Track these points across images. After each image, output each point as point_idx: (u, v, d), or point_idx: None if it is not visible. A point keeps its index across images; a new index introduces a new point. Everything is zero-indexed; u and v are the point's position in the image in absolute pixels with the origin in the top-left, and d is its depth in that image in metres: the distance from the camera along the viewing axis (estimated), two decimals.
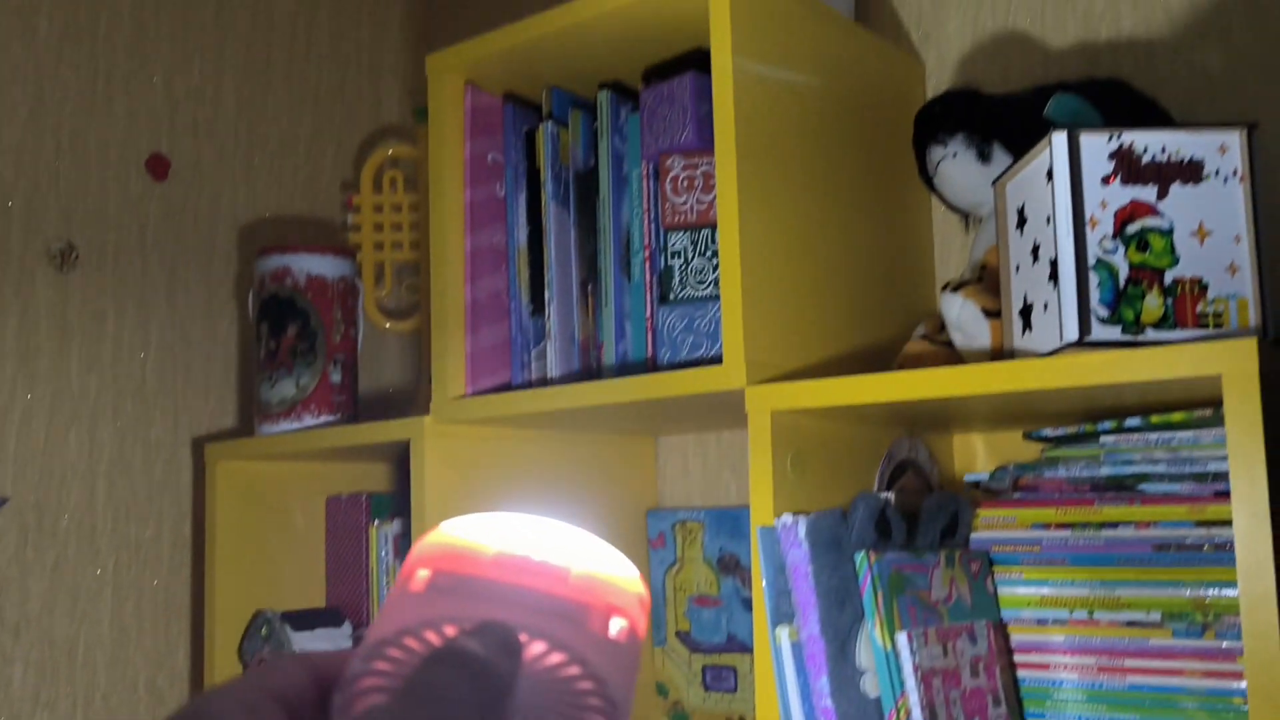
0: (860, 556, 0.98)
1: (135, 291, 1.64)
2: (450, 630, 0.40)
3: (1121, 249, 0.90)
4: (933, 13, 1.40)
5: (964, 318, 1.06)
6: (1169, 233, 0.90)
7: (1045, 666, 1.04)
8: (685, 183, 1.21)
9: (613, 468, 1.52)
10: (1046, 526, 1.04)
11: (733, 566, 1.45)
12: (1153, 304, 0.89)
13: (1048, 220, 0.93)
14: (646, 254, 1.23)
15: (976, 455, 1.30)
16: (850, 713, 0.97)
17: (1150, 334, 0.89)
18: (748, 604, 1.43)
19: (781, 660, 0.99)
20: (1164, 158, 0.91)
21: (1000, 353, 1.04)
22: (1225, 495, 0.95)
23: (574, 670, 0.40)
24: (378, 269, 1.78)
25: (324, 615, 1.58)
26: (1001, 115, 1.14)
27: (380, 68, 1.96)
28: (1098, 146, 0.91)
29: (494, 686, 0.38)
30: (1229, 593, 0.94)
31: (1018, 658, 1.05)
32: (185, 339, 1.68)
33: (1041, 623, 1.04)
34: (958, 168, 1.16)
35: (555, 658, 0.40)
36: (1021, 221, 1.00)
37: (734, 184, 1.08)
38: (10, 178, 1.54)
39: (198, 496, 1.66)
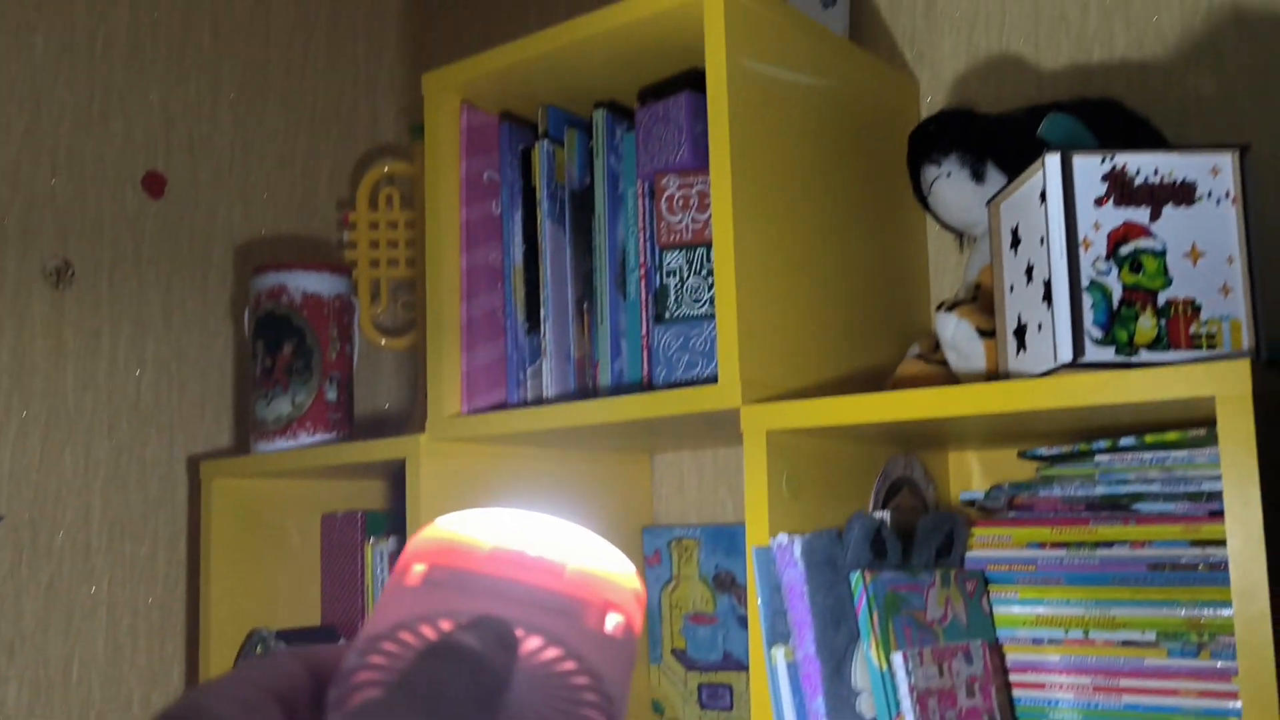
0: (855, 577, 0.98)
1: (131, 309, 1.64)
2: (446, 625, 0.40)
3: (1115, 270, 0.91)
4: (926, 32, 1.41)
5: (959, 337, 1.07)
6: (1162, 254, 0.91)
7: (1041, 686, 1.04)
8: (681, 201, 1.22)
9: (608, 485, 1.52)
10: (1042, 546, 1.05)
11: (729, 584, 1.45)
12: (1146, 325, 0.90)
13: (1041, 241, 0.94)
14: (642, 272, 1.24)
15: (972, 473, 1.31)
16: None
17: (1144, 355, 0.90)
18: (744, 621, 1.43)
19: (777, 680, 0.99)
20: (1157, 179, 0.92)
21: (995, 373, 1.04)
22: (1220, 515, 0.95)
23: (570, 665, 0.40)
24: (373, 286, 1.78)
25: (319, 633, 1.57)
26: (995, 135, 1.15)
27: (376, 86, 1.97)
28: (1091, 168, 0.92)
29: (489, 681, 0.38)
30: (1224, 612, 0.94)
31: (1013, 677, 1.05)
32: (181, 357, 1.68)
33: (1037, 642, 1.04)
34: (952, 187, 1.16)
35: (551, 653, 0.40)
36: (1015, 242, 1.00)
37: (729, 203, 1.08)
38: (6, 195, 1.54)
39: (193, 514, 1.66)
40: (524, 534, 0.42)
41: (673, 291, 1.21)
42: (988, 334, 1.05)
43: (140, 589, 1.61)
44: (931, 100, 1.40)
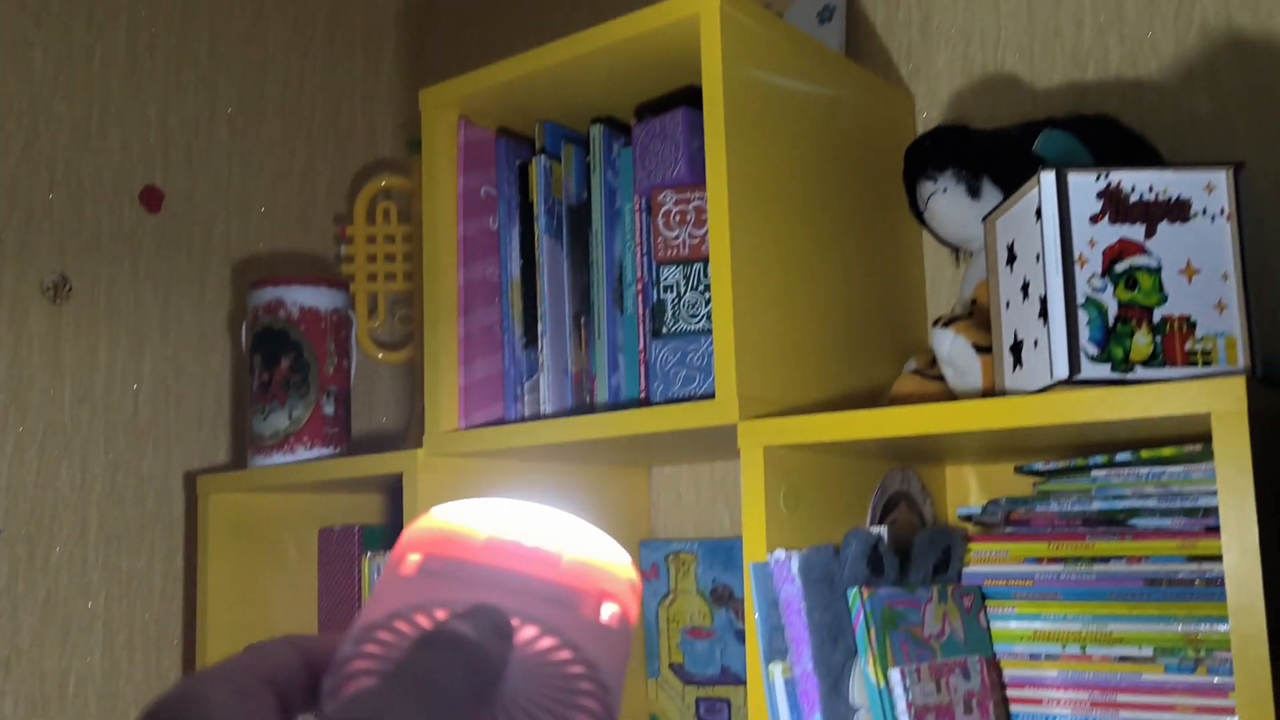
0: (853, 593, 0.98)
1: (128, 323, 1.64)
2: (441, 614, 0.40)
3: (1110, 287, 0.91)
4: (922, 47, 1.41)
5: (955, 353, 1.07)
6: (1157, 271, 0.91)
7: (1039, 702, 1.04)
8: (678, 217, 1.22)
9: (605, 498, 1.52)
10: (1039, 561, 1.05)
11: (726, 598, 1.45)
12: (1142, 342, 0.90)
13: (1037, 258, 0.94)
14: (639, 287, 1.24)
15: (969, 488, 1.31)
16: None
17: (1139, 372, 0.90)
18: (741, 635, 1.43)
19: (775, 697, 0.99)
20: (1151, 197, 0.92)
21: (991, 389, 1.05)
22: (1216, 530, 0.95)
23: (565, 655, 0.40)
24: (371, 300, 1.78)
25: None
26: (991, 151, 1.15)
27: (374, 100, 1.97)
28: (1086, 185, 0.92)
29: (485, 670, 0.38)
30: (1220, 628, 0.95)
31: (1011, 693, 1.06)
32: (178, 371, 1.68)
33: (1034, 658, 1.04)
34: (948, 203, 1.17)
35: (547, 642, 0.40)
36: (1011, 258, 1.01)
37: (726, 218, 1.08)
38: (4, 209, 1.54)
39: (190, 529, 1.66)
40: (520, 524, 0.42)
41: (670, 307, 1.21)
42: (984, 350, 1.06)
43: (137, 603, 1.61)
44: (927, 115, 1.40)
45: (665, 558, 1.50)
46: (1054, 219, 0.92)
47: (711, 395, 1.12)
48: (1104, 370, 0.90)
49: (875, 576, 1.02)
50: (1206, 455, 0.96)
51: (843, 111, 1.28)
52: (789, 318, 1.15)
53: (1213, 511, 0.96)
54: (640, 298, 1.24)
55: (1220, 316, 0.91)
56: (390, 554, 0.43)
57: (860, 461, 1.16)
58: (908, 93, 1.41)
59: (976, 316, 1.09)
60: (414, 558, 0.41)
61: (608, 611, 0.41)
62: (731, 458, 1.49)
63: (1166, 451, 0.99)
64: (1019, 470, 1.16)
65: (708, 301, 1.20)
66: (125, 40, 1.67)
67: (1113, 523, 1.03)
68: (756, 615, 1.01)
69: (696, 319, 1.20)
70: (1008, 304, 1.01)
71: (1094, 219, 0.92)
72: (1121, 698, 0.99)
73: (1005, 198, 1.07)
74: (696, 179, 1.22)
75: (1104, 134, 1.14)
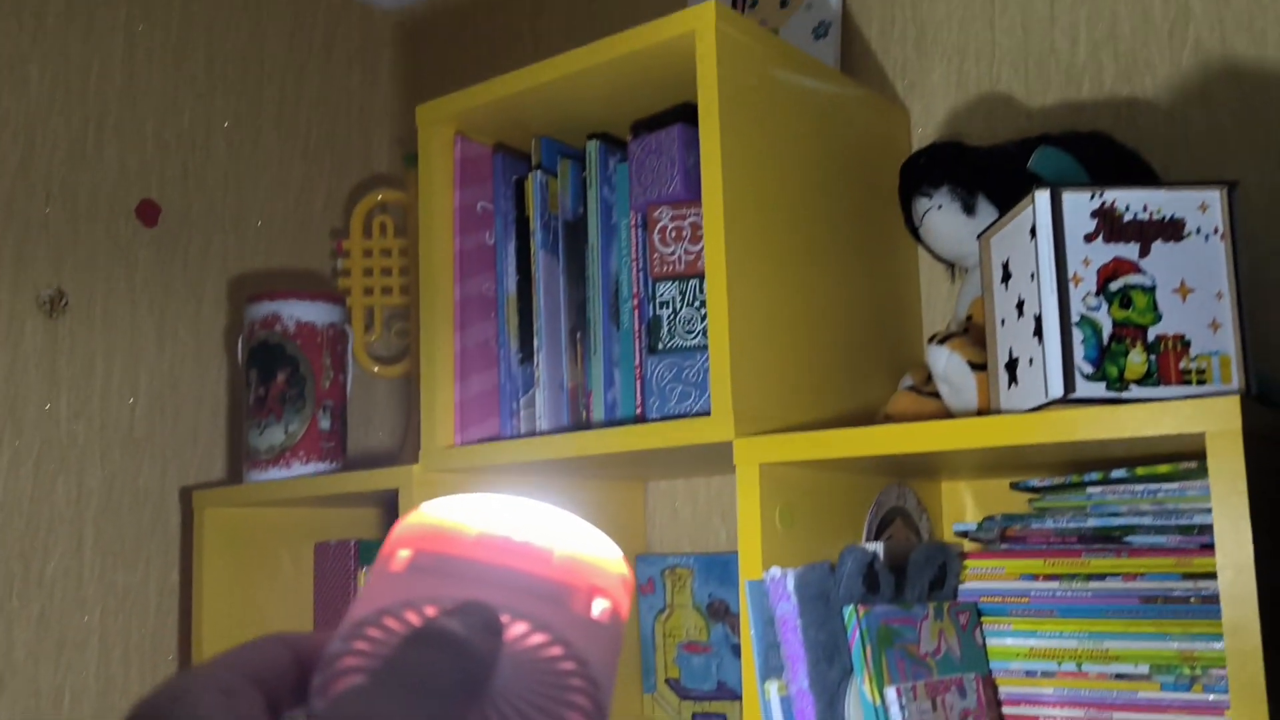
0: (849, 611, 0.98)
1: (125, 338, 1.64)
2: (431, 610, 0.39)
3: (1105, 306, 0.91)
4: (918, 63, 1.42)
5: (951, 370, 1.07)
6: (1151, 290, 0.91)
7: (1035, 719, 1.04)
8: (673, 233, 1.22)
9: (601, 513, 1.52)
10: (1035, 578, 1.05)
11: (722, 613, 1.45)
12: (1136, 360, 0.90)
13: (1032, 276, 0.94)
14: (635, 303, 1.24)
15: (965, 504, 1.31)
16: None
17: (1134, 390, 0.90)
18: (737, 650, 1.42)
19: (771, 715, 0.99)
20: (1145, 216, 0.92)
21: (987, 407, 1.05)
22: (1211, 548, 0.95)
23: (556, 651, 0.39)
24: (367, 314, 1.78)
25: None
26: (986, 168, 1.16)
27: (370, 115, 1.98)
28: (1080, 204, 0.93)
29: (475, 667, 0.38)
30: (1216, 645, 0.95)
31: (1007, 710, 1.05)
32: (174, 386, 1.68)
33: (1030, 675, 1.04)
34: (943, 219, 1.17)
35: (537, 638, 0.39)
36: (1006, 276, 1.01)
37: (721, 234, 1.08)
38: (1, 224, 1.54)
39: (185, 544, 1.66)
40: (510, 519, 0.41)
41: (665, 322, 1.22)
42: (979, 367, 1.06)
43: (132, 618, 1.61)
44: (922, 131, 1.40)
45: (661, 572, 1.50)
46: (1049, 238, 0.92)
47: (707, 411, 1.12)
48: (1099, 389, 0.90)
49: (871, 594, 1.02)
50: (1202, 472, 0.97)
51: (838, 128, 1.28)
52: (785, 334, 1.15)
53: (1208, 529, 0.96)
54: (636, 313, 1.24)
55: (1214, 335, 0.91)
56: (380, 550, 0.42)
57: (856, 478, 1.16)
58: (903, 109, 1.41)
59: (972, 333, 1.10)
60: (404, 554, 0.41)
61: (599, 607, 0.41)
62: (727, 471, 1.49)
63: (1162, 469, 0.99)
64: (1015, 487, 1.16)
65: (703, 317, 1.20)
66: (122, 55, 1.68)
67: (1108, 540, 1.03)
68: (752, 633, 1.01)
69: (692, 335, 1.21)
70: (1003, 321, 1.02)
71: (1088, 238, 0.92)
72: (1117, 715, 0.99)
73: (1000, 214, 1.08)
74: (692, 195, 1.22)
75: (1099, 151, 1.14)
